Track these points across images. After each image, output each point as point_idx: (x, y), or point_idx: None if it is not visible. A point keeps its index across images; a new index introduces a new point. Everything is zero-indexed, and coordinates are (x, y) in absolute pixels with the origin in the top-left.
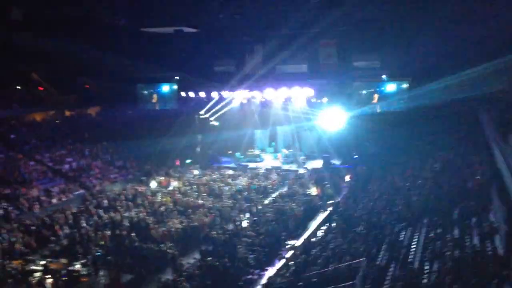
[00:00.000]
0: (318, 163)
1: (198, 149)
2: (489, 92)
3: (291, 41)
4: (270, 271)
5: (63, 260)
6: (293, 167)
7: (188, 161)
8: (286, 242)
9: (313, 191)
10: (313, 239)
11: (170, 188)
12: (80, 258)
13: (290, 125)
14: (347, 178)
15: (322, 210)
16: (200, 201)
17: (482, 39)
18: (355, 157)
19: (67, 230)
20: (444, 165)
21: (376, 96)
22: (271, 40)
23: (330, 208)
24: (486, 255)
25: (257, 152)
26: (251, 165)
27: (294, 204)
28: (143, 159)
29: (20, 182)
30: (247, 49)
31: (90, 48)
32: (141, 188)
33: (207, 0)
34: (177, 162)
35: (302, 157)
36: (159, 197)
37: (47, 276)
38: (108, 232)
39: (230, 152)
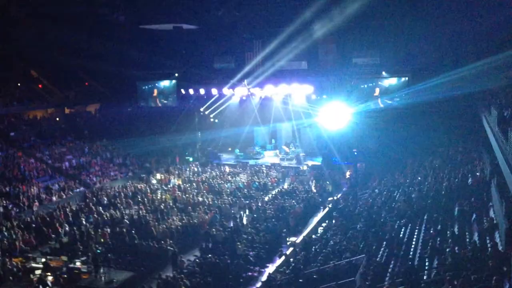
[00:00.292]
0: (318, 160)
1: (198, 146)
2: (489, 88)
3: (290, 37)
4: (270, 268)
5: (63, 258)
6: (293, 164)
7: (188, 158)
8: (286, 239)
9: (313, 187)
10: (313, 236)
11: (170, 185)
12: (80, 255)
13: (290, 122)
14: (347, 174)
15: (322, 207)
16: (200, 198)
17: (482, 35)
18: (355, 153)
19: (67, 228)
20: (444, 162)
21: (377, 89)
22: (271, 36)
23: (330, 205)
24: (486, 251)
25: (257, 149)
26: (251, 162)
27: (294, 201)
28: (143, 156)
29: (20, 180)
30: (247, 46)
31: (90, 43)
32: (141, 186)
33: None
34: (177, 159)
35: (302, 154)
36: (159, 195)
37: (47, 274)
38: (108, 230)
39: (230, 149)
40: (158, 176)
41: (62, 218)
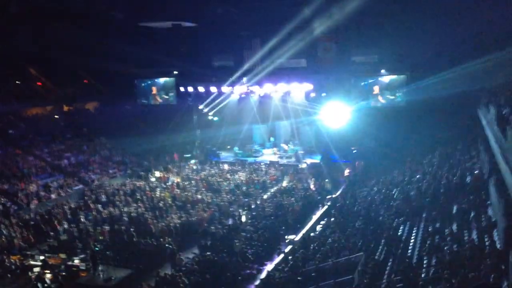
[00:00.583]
0: (317, 158)
1: (197, 144)
2: (487, 86)
3: (289, 35)
4: (269, 266)
5: (62, 255)
6: (292, 161)
7: (187, 156)
8: (285, 237)
9: (312, 186)
10: (312, 234)
11: (169, 183)
12: (79, 253)
13: (289, 120)
14: (346, 172)
15: (320, 205)
16: (199, 196)
17: (481, 33)
18: (354, 151)
19: (65, 225)
20: (443, 160)
21: (376, 87)
22: (270, 34)
23: (329, 203)
24: (484, 249)
25: (256, 147)
26: (250, 160)
27: (293, 199)
28: (142, 154)
29: (19, 177)
30: (246, 43)
31: (89, 41)
32: (139, 183)
33: None
34: (176, 157)
35: (301, 152)
36: (158, 192)
37: (45, 271)
38: (107, 227)
39: (228, 147)
40: (157, 174)
41: (61, 215)
